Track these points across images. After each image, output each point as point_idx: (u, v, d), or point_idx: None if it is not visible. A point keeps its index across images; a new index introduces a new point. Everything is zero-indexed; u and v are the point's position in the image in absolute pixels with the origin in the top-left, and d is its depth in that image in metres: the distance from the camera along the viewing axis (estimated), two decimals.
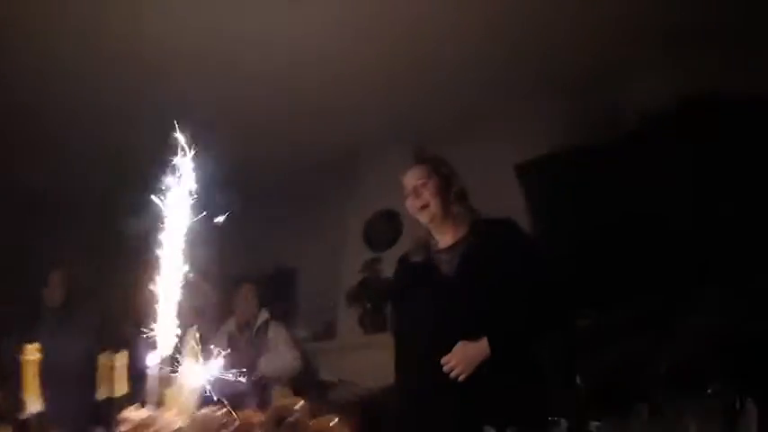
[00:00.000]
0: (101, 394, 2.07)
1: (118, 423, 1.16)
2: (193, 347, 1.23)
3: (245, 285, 3.74)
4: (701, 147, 3.25)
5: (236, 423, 1.18)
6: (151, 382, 1.23)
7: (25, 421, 1.38)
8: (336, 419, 1.58)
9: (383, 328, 4.08)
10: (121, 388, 1.92)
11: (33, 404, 1.40)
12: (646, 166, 3.38)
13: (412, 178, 2.20)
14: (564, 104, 3.96)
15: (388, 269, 4.41)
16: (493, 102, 4.14)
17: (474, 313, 2.02)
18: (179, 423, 1.12)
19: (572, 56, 3.72)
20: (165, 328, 1.27)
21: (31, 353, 1.43)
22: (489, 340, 1.96)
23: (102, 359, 2.11)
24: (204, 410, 1.18)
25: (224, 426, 1.16)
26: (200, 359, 1.24)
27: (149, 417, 1.14)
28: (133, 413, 1.18)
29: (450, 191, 2.19)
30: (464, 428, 1.83)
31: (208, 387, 1.23)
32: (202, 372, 1.23)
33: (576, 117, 3.89)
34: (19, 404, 1.40)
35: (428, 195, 2.15)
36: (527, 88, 4.01)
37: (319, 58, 3.58)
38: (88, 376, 2.49)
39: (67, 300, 3.33)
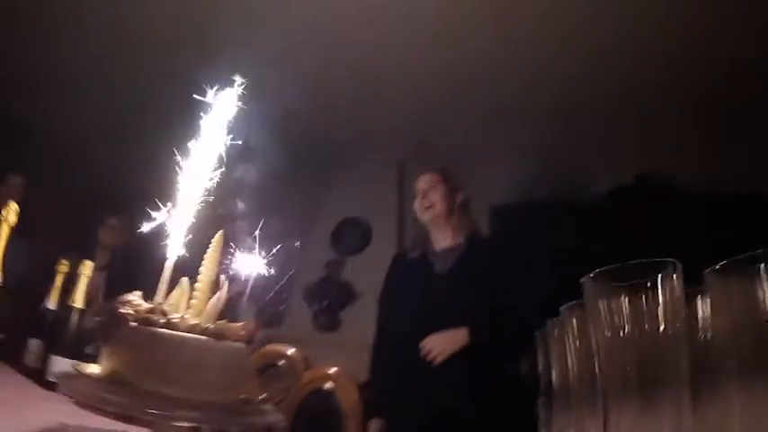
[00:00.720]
0: (52, 303, 1.87)
1: (117, 305, 0.98)
2: (214, 254, 1.08)
3: None
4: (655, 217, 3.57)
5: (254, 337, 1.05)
6: (164, 278, 1.08)
7: None
8: (335, 368, 1.45)
9: (334, 327, 4.02)
10: (81, 299, 1.73)
11: None
12: (606, 228, 3.60)
13: (423, 182, 2.40)
14: (541, 162, 4.18)
15: (347, 273, 4.34)
16: (478, 143, 4.21)
17: (459, 309, 2.17)
18: (196, 321, 0.97)
19: (556, 123, 3.92)
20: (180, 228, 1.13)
21: (12, 213, 1.25)
22: (469, 329, 2.09)
23: (62, 267, 1.92)
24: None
25: (241, 337, 1.02)
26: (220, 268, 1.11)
27: (161, 306, 0.98)
28: (138, 299, 1.01)
29: (455, 199, 2.36)
30: (437, 411, 2.04)
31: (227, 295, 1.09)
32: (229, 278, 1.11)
33: (552, 175, 4.13)
34: None
35: (434, 198, 2.33)
36: (511, 140, 4.14)
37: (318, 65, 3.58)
38: (31, 285, 2.26)
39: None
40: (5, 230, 1.24)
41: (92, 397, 0.89)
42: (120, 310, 0.96)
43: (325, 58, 3.53)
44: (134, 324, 0.94)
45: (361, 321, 3.88)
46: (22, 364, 1.76)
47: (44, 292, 1.91)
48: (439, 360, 2.06)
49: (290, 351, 1.46)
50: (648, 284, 0.55)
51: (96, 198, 3.82)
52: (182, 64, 3.24)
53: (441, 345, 2.07)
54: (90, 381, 0.94)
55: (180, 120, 1.20)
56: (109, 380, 0.92)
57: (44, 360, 1.64)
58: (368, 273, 4.08)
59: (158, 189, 1.15)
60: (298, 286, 4.42)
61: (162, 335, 0.93)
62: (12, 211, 1.24)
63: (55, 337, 1.68)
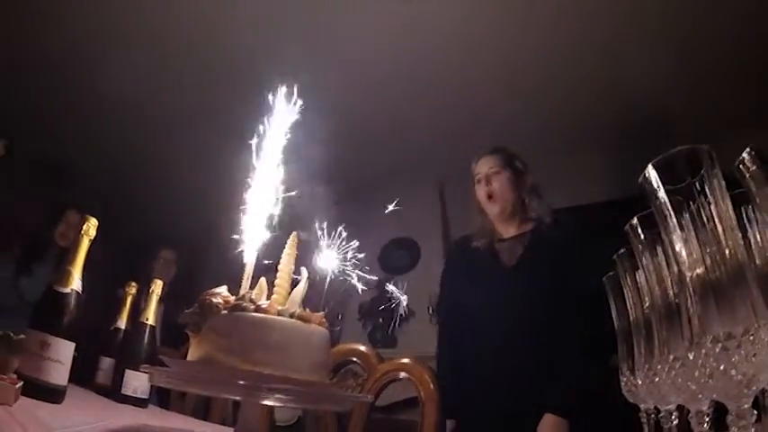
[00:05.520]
0: (123, 323, 1.91)
1: (207, 297, 1.01)
2: (290, 252, 1.10)
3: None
4: None
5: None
6: (247, 274, 1.12)
7: (65, 295, 1.24)
8: (408, 360, 1.45)
9: (391, 344, 4.03)
10: (153, 316, 1.76)
11: (76, 281, 1.27)
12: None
13: (484, 166, 2.17)
14: (596, 162, 4.20)
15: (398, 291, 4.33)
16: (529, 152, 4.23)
17: (529, 302, 1.99)
18: (285, 307, 0.99)
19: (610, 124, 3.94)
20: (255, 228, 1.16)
21: (92, 227, 1.29)
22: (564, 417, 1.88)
23: (131, 289, 1.95)
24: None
25: (324, 323, 1.05)
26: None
27: (249, 294, 1.01)
28: (225, 291, 1.04)
29: (523, 185, 2.15)
30: (506, 402, 1.93)
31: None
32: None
33: (607, 174, 4.11)
34: (65, 276, 1.26)
35: (498, 186, 2.12)
36: (561, 145, 4.17)
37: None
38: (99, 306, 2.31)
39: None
40: (86, 243, 1.28)
41: (186, 377, 0.91)
42: (212, 300, 0.98)
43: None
44: (224, 312, 0.96)
45: (417, 337, 3.87)
46: (94, 383, 1.80)
47: (112, 315, 1.95)
48: None
49: (362, 347, 1.47)
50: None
51: (149, 234, 3.92)
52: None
53: None
54: (183, 364, 0.97)
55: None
56: (202, 362, 0.93)
57: (116, 377, 1.67)
58: (418, 291, 4.08)
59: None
60: (351, 306, 4.43)
61: (253, 318, 0.95)
62: (92, 225, 1.29)
63: (129, 353, 1.70)
